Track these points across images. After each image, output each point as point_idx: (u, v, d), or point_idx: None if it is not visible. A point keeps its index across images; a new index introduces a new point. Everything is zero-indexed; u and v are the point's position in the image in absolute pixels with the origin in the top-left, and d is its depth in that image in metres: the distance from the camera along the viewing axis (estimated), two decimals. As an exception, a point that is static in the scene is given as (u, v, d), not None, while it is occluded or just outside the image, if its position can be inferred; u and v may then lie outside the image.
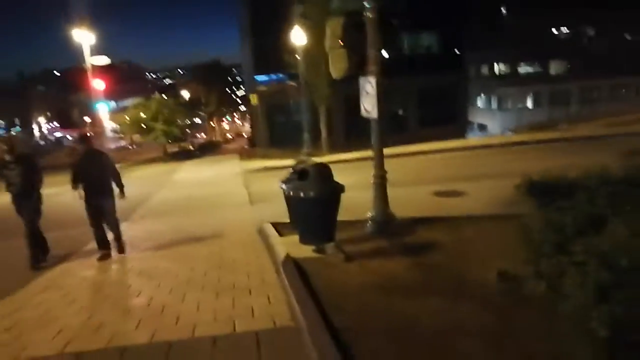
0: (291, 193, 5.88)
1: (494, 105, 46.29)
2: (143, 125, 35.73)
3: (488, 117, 46.34)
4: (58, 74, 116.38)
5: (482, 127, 46.59)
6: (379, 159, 6.67)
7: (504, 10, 46.16)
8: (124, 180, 7.55)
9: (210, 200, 12.38)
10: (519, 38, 42.18)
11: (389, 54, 35.97)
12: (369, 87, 6.37)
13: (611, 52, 40.30)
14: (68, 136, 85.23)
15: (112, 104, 71.46)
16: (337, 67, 6.24)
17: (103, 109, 22.34)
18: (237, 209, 10.60)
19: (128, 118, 36.42)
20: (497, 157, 15.82)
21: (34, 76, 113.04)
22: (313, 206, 5.76)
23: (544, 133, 21.77)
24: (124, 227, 9.51)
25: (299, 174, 5.99)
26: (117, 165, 8.02)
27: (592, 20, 42.43)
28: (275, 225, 7.50)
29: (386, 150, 6.78)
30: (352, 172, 9.64)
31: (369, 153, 18.53)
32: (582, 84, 41.64)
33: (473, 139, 34.22)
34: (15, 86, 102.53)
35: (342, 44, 6.12)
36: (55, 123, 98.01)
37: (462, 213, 7.81)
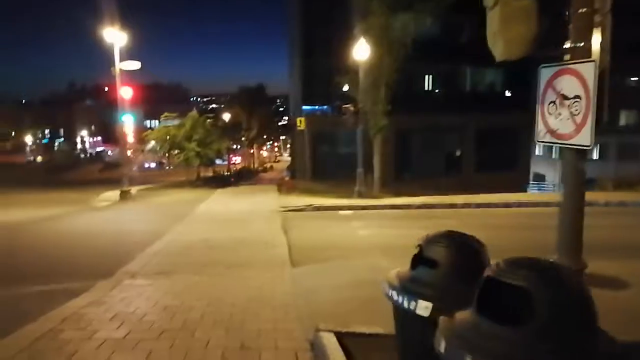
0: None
1: (555, 154, 42.37)
2: (175, 143, 32.98)
3: (547, 167, 42.58)
4: (106, 90, 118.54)
5: (539, 177, 42.67)
6: (574, 226, 3.28)
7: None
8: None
9: (236, 252, 8.86)
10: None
11: (446, 88, 32.95)
12: (570, 84, 3.08)
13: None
14: (109, 152, 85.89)
15: (155, 123, 70.51)
16: (512, 35, 2.97)
17: (129, 121, 19.71)
18: (272, 272, 6.97)
19: (157, 134, 33.78)
20: (607, 220, 11.91)
21: (84, 89, 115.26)
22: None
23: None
24: (88, 298, 5.63)
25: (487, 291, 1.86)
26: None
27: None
28: (348, 347, 3.63)
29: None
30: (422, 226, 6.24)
31: (437, 199, 14.79)
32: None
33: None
34: (64, 97, 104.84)
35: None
36: (97, 137, 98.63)
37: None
